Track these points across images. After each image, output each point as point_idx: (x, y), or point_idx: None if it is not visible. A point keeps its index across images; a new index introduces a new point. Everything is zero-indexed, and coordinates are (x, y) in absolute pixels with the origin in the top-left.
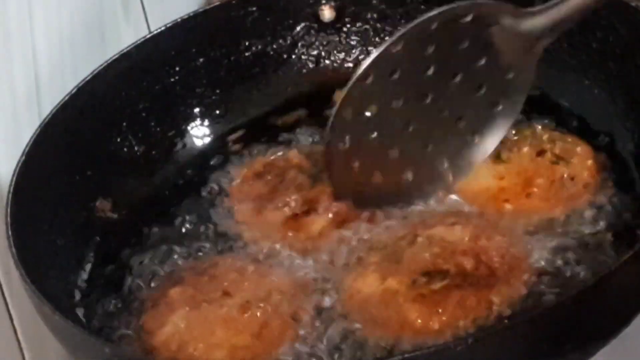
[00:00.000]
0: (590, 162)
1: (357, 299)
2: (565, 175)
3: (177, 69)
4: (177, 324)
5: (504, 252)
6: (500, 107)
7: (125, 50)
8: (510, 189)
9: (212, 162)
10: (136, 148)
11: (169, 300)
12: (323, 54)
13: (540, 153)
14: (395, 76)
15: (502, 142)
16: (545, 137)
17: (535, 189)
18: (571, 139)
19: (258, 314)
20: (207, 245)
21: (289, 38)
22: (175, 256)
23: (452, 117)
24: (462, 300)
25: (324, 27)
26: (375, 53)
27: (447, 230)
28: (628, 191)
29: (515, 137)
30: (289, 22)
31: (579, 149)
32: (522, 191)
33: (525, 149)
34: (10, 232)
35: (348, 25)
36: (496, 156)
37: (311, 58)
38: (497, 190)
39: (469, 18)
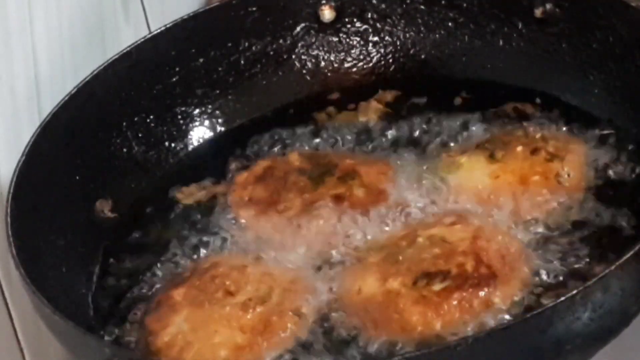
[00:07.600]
0: (586, 159)
1: (358, 299)
2: (560, 173)
3: (177, 69)
4: (180, 325)
5: (504, 252)
6: None
7: (125, 50)
8: (507, 188)
9: (212, 163)
10: (136, 148)
11: (172, 301)
12: (323, 54)
13: (535, 151)
14: None
15: (497, 142)
16: (538, 135)
17: (531, 187)
18: (566, 137)
19: (260, 312)
20: (209, 245)
21: (289, 38)
22: (177, 257)
23: None
24: (463, 301)
25: (324, 27)
26: None
27: (447, 230)
28: (626, 189)
29: (509, 137)
30: (289, 22)
31: (573, 146)
32: (519, 189)
33: (520, 148)
34: (10, 232)
35: (348, 25)
36: (491, 155)
37: (311, 58)
38: (494, 189)
39: None
